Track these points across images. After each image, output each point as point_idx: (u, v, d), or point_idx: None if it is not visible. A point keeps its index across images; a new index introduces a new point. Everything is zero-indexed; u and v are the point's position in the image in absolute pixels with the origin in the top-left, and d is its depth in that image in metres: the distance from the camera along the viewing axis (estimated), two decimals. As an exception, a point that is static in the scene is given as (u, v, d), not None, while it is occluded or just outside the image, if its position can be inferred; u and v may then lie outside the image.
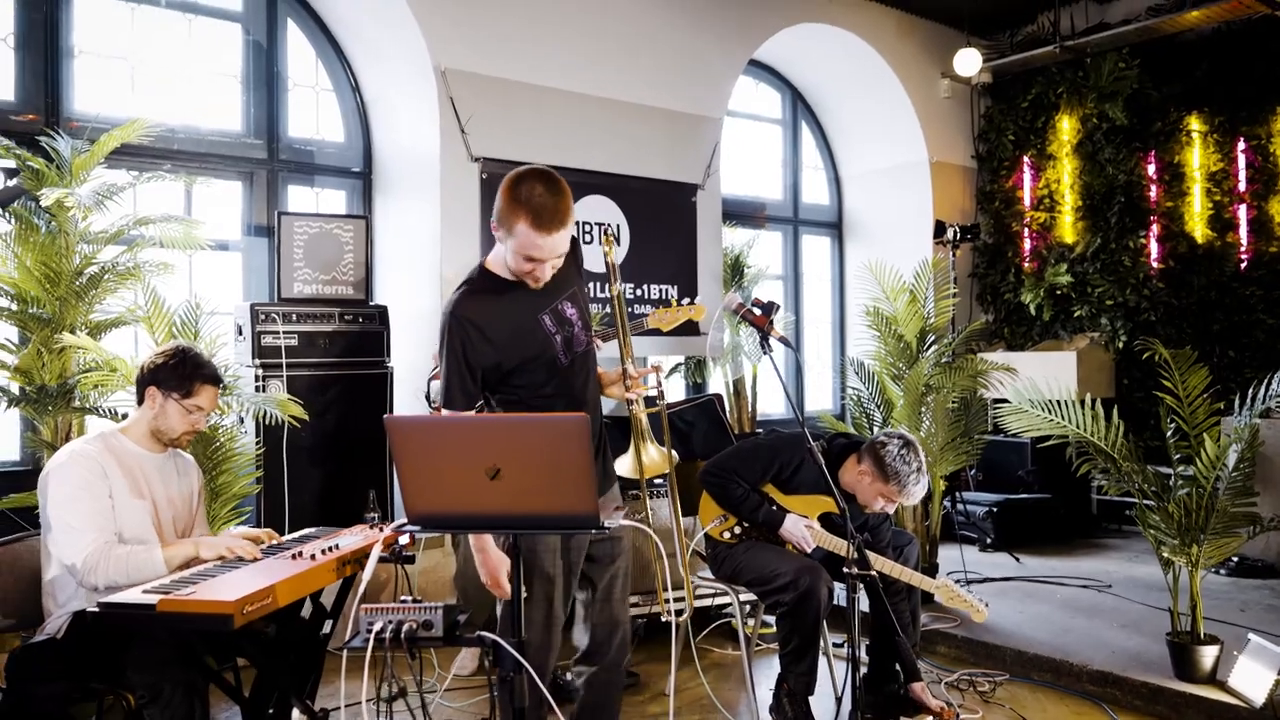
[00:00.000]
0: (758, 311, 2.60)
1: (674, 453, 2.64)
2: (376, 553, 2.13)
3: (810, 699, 3.41)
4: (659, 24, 5.98)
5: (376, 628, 2.01)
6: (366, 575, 2.08)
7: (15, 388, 4.10)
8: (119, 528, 2.71)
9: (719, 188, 6.28)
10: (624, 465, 2.52)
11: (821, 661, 3.44)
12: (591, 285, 5.56)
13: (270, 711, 2.69)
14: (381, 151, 5.57)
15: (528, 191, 2.40)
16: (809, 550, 3.40)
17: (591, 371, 2.73)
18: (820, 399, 7.72)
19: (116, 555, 2.62)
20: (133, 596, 2.32)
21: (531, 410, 2.55)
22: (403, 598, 2.10)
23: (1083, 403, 3.73)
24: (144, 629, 2.41)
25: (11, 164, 3.99)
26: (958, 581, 4.99)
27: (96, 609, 2.32)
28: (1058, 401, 3.77)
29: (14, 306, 4.06)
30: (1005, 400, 4.05)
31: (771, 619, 3.58)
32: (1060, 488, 6.32)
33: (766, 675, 3.87)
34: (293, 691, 2.66)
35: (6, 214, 4.04)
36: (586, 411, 2.34)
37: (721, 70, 6.34)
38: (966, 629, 4.38)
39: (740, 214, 6.99)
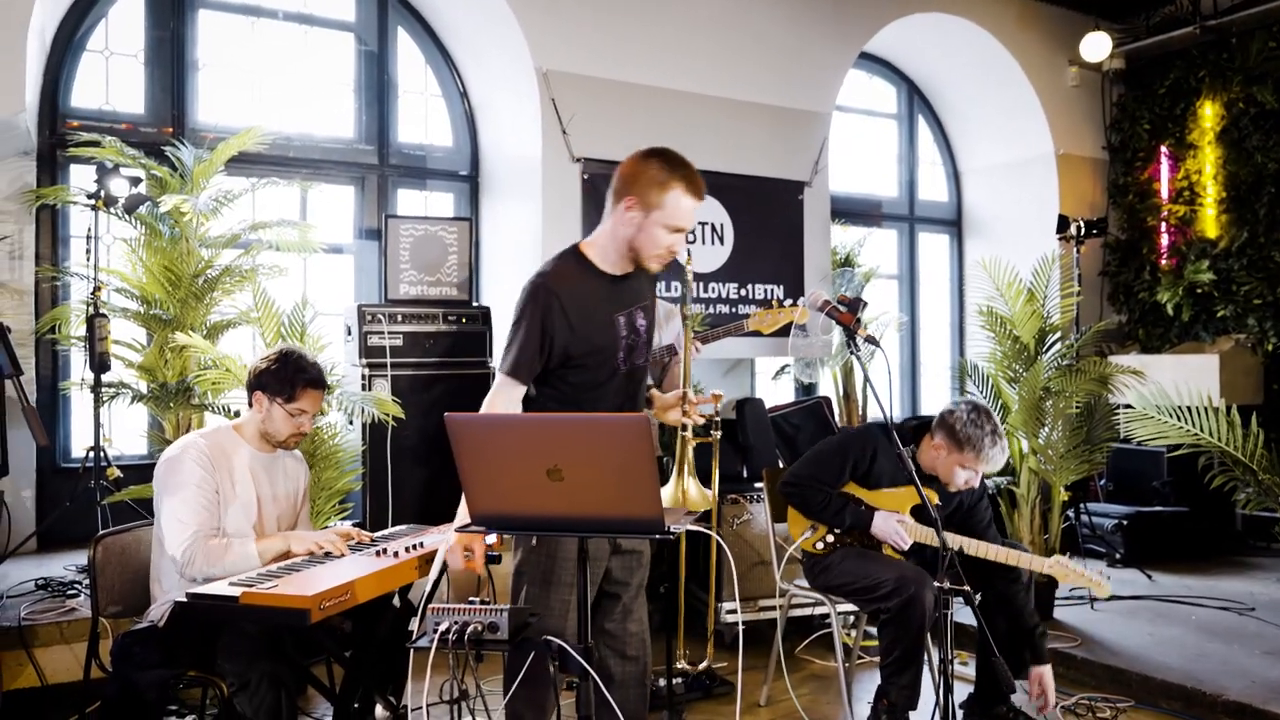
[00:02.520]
0: (843, 308, 2.48)
1: (713, 491, 2.56)
2: (442, 553, 2.11)
3: (912, 714, 3.25)
4: (764, 17, 5.85)
5: (441, 628, 1.99)
6: (432, 577, 2.06)
7: (144, 386, 4.32)
8: (223, 522, 2.80)
9: (827, 185, 6.11)
10: (663, 496, 2.45)
11: (927, 676, 3.27)
12: (696, 285, 5.49)
13: (355, 707, 2.71)
14: (487, 154, 5.64)
15: (674, 160, 2.44)
16: (904, 547, 3.23)
17: (641, 389, 2.68)
18: (937, 403, 7.41)
19: (213, 547, 2.70)
20: (219, 588, 2.38)
21: (579, 407, 2.50)
22: (471, 599, 2.08)
23: (1217, 409, 3.43)
24: (229, 620, 2.48)
25: (137, 173, 4.20)
26: (1081, 600, 4.74)
27: (185, 599, 2.39)
28: (1188, 408, 3.48)
29: (139, 308, 4.28)
30: (1126, 406, 3.78)
31: (875, 629, 3.43)
32: (1199, 500, 5.86)
33: (867, 689, 3.71)
34: (375, 688, 2.68)
35: (133, 220, 4.27)
36: None
37: (830, 64, 6.16)
38: (1087, 649, 4.10)
39: (852, 212, 6.79)
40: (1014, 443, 4.71)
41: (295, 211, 5.09)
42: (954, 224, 7.62)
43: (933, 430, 3.32)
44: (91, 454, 4.08)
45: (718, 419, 2.63)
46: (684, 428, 2.49)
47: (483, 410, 2.51)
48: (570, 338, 2.48)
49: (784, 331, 5.69)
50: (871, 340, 2.46)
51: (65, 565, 4.04)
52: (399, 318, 4.55)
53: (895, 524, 3.23)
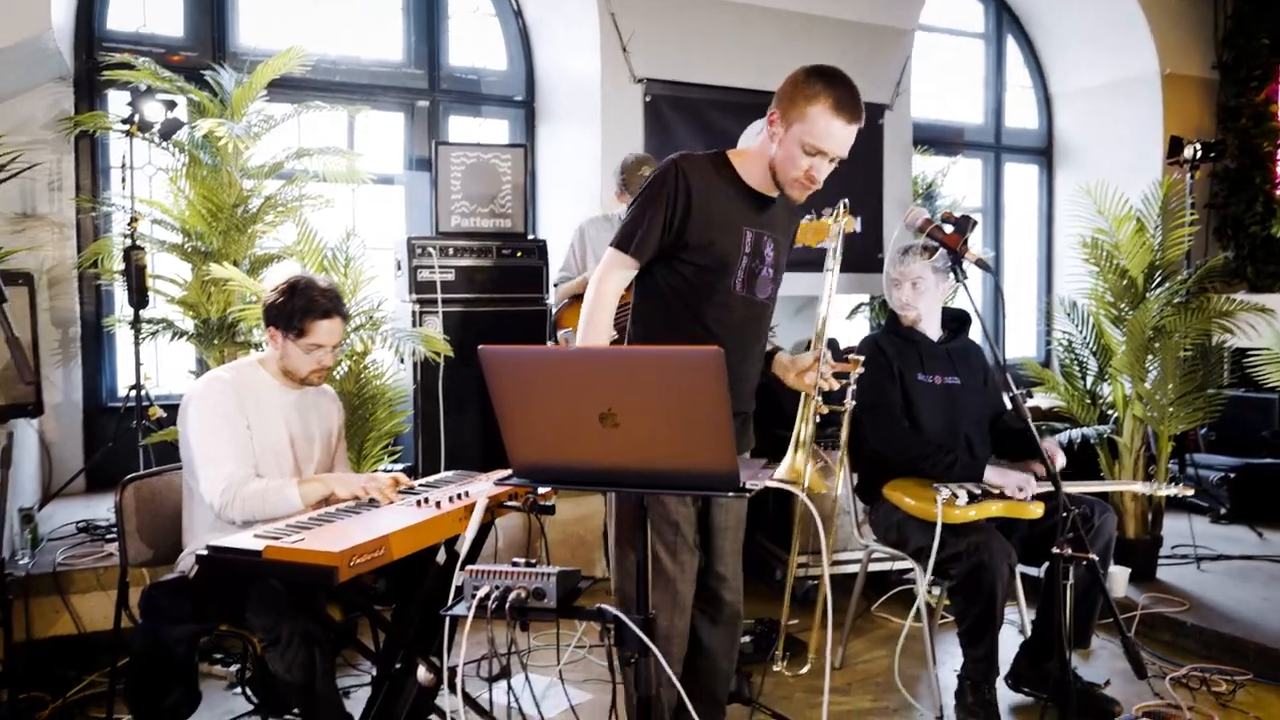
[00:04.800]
0: (949, 229, 2.12)
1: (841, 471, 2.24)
2: (481, 508, 1.84)
3: (996, 687, 2.95)
4: (843, -76, 5.36)
5: (481, 593, 1.73)
6: (470, 533, 1.80)
7: (187, 322, 4.14)
8: (255, 460, 2.59)
9: (909, 109, 5.65)
10: (779, 470, 2.15)
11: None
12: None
13: (397, 668, 2.50)
14: (543, 77, 5.30)
15: (832, 76, 2.21)
16: (1030, 495, 2.91)
17: (760, 332, 2.43)
18: (1022, 345, 6.97)
19: (253, 490, 2.51)
20: (243, 540, 2.16)
21: (696, 315, 2.31)
22: (516, 560, 1.81)
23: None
24: (254, 574, 2.27)
25: (174, 97, 3.97)
26: (1186, 560, 4.35)
27: (206, 551, 2.17)
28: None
29: (180, 240, 4.08)
30: (1255, 350, 3.34)
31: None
32: (1317, 451, 5.40)
33: (952, 654, 3.40)
34: (416, 647, 2.45)
35: (171, 148, 4.04)
36: (738, 371, 2.06)
37: (914, -25, 5.66)
38: (1197, 615, 3.73)
39: (934, 140, 6.31)
40: (1117, 388, 4.30)
41: (342, 141, 4.83)
42: (1043, 153, 7.07)
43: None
44: (133, 393, 3.93)
45: (853, 386, 2.30)
46: (812, 397, 2.19)
47: (591, 289, 2.32)
48: (691, 223, 2.27)
49: (862, 265, 5.36)
50: (983, 264, 2.10)
51: (109, 507, 3.90)
52: (450, 251, 4.28)
53: (1016, 474, 2.95)
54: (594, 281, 2.33)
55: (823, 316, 2.22)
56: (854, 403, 2.30)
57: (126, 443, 3.95)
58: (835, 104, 2.17)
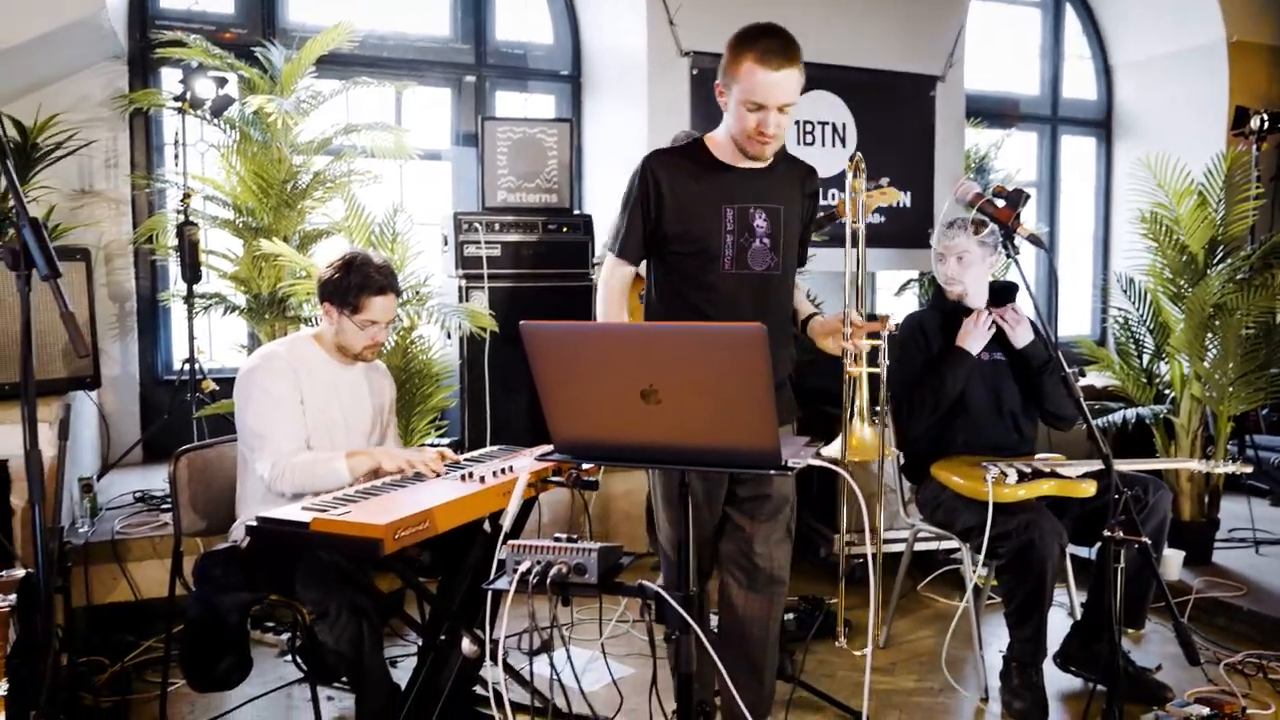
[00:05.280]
0: (1000, 203, 2.06)
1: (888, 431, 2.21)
2: (523, 484, 1.85)
3: (1043, 669, 2.91)
4: (895, -111, 5.23)
5: (523, 568, 1.74)
6: (513, 507, 1.81)
7: (239, 297, 4.21)
8: (308, 434, 2.63)
9: (962, 80, 5.50)
10: (832, 448, 2.12)
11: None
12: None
13: (442, 639, 2.53)
14: (590, 51, 5.27)
15: (754, 33, 2.29)
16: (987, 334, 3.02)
17: (772, 301, 2.45)
18: (1076, 323, 6.82)
19: (303, 463, 2.55)
20: (291, 512, 2.19)
21: (681, 309, 2.41)
22: (558, 535, 1.82)
23: None
24: (301, 546, 2.30)
25: (224, 74, 4.01)
26: (1244, 544, 4.24)
27: (255, 523, 2.21)
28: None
29: (231, 216, 4.14)
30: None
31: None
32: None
33: (998, 635, 3.36)
34: (461, 620, 2.48)
35: (222, 124, 4.10)
36: None
37: (969, -58, 5.51)
38: (1254, 599, 3.65)
39: (987, 112, 6.16)
40: (1175, 366, 4.19)
41: (390, 116, 4.85)
42: (1102, 125, 6.87)
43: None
44: (187, 366, 4.00)
45: (884, 345, 2.29)
46: (847, 358, 2.19)
47: (599, 288, 2.53)
48: (665, 219, 2.42)
49: (912, 240, 5.27)
50: (1035, 240, 2.05)
51: (164, 478, 3.99)
52: (496, 226, 4.29)
53: (973, 320, 3.06)
54: (600, 282, 2.54)
55: (849, 277, 2.20)
56: (887, 363, 2.27)
57: (181, 415, 4.04)
58: (760, 56, 2.23)
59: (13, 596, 1.84)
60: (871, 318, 2.37)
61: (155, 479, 3.98)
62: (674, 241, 2.42)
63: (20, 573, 1.97)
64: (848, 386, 2.67)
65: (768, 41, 2.25)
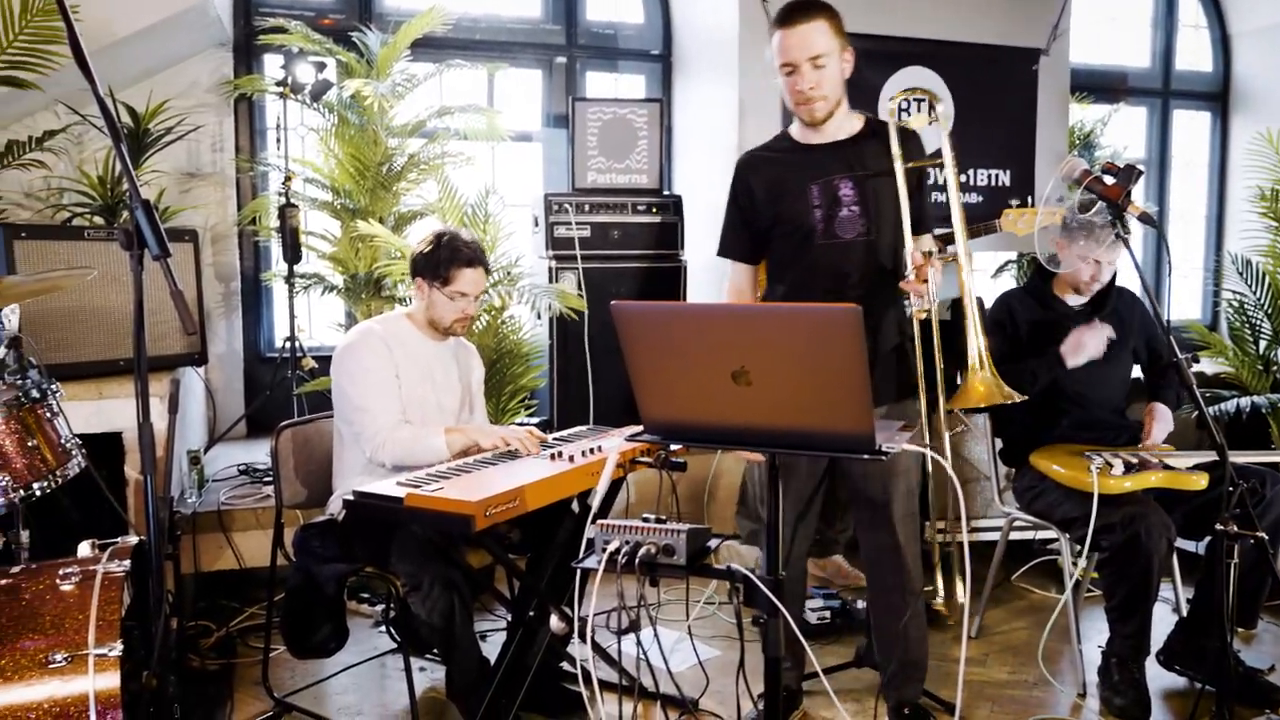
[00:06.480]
0: (1110, 180, 1.97)
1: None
2: (612, 464, 1.85)
3: (1145, 666, 2.80)
4: None
5: (611, 548, 1.75)
6: (602, 487, 1.81)
7: (337, 277, 4.32)
8: (403, 408, 2.69)
9: (1067, 53, 5.28)
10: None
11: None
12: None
13: (531, 615, 2.57)
14: (680, 30, 5.23)
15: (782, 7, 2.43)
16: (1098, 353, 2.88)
17: (872, 266, 2.47)
18: (1187, 307, 6.51)
19: (403, 437, 2.61)
20: (386, 487, 2.25)
21: (788, 288, 2.55)
22: (646, 515, 1.82)
23: None
24: (396, 520, 2.36)
25: (323, 59, 4.11)
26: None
27: (353, 496, 2.27)
28: None
29: (330, 198, 4.25)
30: None
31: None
32: None
33: (1098, 629, 3.25)
34: (549, 597, 2.51)
35: (321, 108, 4.20)
36: None
37: (1077, -93, 5.26)
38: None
39: (1093, 86, 5.90)
40: (1293, 353, 3.98)
41: (482, 98, 4.90)
42: (1218, 98, 6.52)
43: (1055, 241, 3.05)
44: (288, 344, 4.13)
45: (932, 285, 2.23)
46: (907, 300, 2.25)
47: (727, 290, 2.73)
48: (758, 213, 2.58)
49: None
50: (1147, 219, 1.95)
51: (267, 451, 4.13)
52: (586, 207, 4.30)
53: (1083, 335, 2.92)
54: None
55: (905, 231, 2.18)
56: (935, 302, 2.21)
57: (282, 391, 4.18)
58: (779, 20, 2.40)
59: (127, 562, 1.92)
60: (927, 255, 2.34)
61: (258, 453, 4.13)
62: (774, 229, 2.56)
63: (134, 540, 2.06)
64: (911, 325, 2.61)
65: (783, 10, 2.40)
